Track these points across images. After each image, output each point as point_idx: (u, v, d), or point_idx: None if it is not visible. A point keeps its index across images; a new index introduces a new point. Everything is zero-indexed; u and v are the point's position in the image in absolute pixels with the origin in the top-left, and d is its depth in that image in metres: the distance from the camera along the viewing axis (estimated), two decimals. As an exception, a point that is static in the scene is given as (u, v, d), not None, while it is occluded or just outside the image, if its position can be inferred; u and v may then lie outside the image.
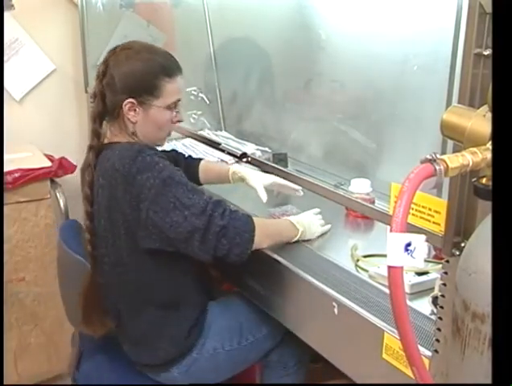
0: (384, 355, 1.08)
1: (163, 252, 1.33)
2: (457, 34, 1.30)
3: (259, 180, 1.58)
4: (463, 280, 0.73)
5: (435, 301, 1.04)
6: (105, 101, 1.39)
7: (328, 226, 1.50)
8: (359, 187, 1.56)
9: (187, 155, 1.76)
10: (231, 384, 1.57)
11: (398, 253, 0.64)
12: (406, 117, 1.61)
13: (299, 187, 1.56)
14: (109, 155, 1.35)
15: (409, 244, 0.64)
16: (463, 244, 0.86)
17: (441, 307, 0.92)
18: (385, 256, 0.67)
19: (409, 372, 0.94)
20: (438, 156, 0.69)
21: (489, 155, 0.71)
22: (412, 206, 0.94)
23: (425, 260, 1.26)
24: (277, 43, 2.07)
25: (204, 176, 1.71)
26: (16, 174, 2.02)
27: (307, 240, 1.44)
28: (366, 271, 1.28)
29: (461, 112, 0.79)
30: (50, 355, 2.21)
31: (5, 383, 1.59)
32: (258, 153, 2.01)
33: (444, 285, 0.91)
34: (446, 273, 0.91)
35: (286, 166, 1.89)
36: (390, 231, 0.65)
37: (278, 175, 1.58)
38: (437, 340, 0.94)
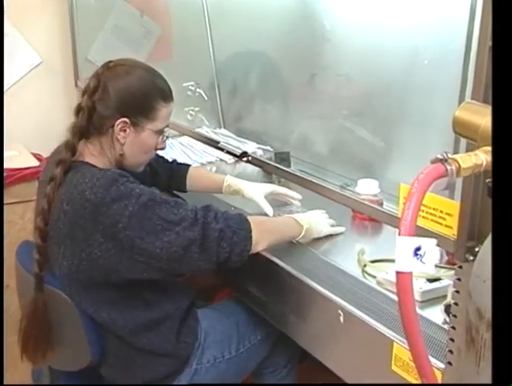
0: (393, 367, 1.08)
1: (123, 286, 1.33)
2: (471, 25, 1.30)
3: (259, 191, 1.58)
4: (477, 287, 0.74)
5: (447, 309, 1.05)
6: (91, 117, 1.37)
7: (342, 228, 1.50)
8: (366, 188, 1.57)
9: (171, 160, 1.77)
10: (231, 384, 1.58)
11: (407, 258, 0.64)
12: (416, 113, 1.62)
13: (300, 196, 1.58)
14: (78, 180, 1.31)
15: (418, 249, 0.65)
16: (477, 249, 0.86)
17: (454, 316, 0.92)
18: (394, 261, 0.67)
19: (420, 385, 0.94)
20: (449, 155, 0.69)
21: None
22: (423, 208, 0.94)
23: (437, 266, 1.26)
24: (280, 35, 2.07)
25: (192, 183, 1.72)
26: (1, 175, 2.03)
27: (315, 240, 1.44)
28: (374, 277, 1.28)
29: (475, 108, 0.79)
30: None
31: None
32: (259, 153, 2.01)
33: (457, 292, 0.91)
34: (459, 279, 0.91)
35: (288, 166, 1.90)
36: (399, 234, 0.66)
37: (280, 176, 1.59)
38: (450, 351, 0.94)
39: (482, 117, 0.77)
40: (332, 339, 1.23)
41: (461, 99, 1.35)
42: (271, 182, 1.75)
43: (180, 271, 1.33)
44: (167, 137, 1.48)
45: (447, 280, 1.20)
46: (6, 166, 2.06)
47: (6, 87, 2.43)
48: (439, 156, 0.69)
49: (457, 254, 0.90)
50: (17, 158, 2.22)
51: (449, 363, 0.95)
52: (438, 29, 1.49)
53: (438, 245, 0.69)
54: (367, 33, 1.71)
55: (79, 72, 2.53)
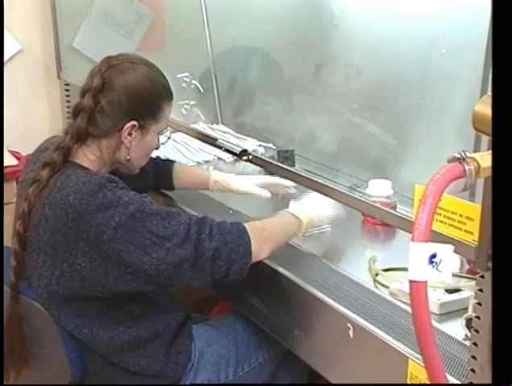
0: (408, 386, 1.08)
1: (107, 299, 1.33)
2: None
3: (249, 182, 1.59)
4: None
5: (468, 323, 1.04)
6: (93, 118, 1.37)
7: (343, 211, 1.50)
8: (378, 190, 1.57)
9: (154, 156, 1.77)
10: (231, 384, 1.57)
11: (421, 266, 0.65)
12: (432, 107, 1.62)
13: (293, 184, 1.60)
14: (62, 183, 1.31)
15: (434, 256, 0.65)
16: (499, 256, 0.87)
17: (476, 331, 0.92)
18: (408, 269, 0.68)
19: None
20: (468, 154, 0.70)
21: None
22: (440, 211, 0.94)
23: (456, 276, 1.26)
24: (282, 21, 2.08)
25: (179, 181, 1.74)
26: (-23, 175, 2.04)
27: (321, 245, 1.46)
28: (386, 287, 1.28)
29: (497, 102, 0.80)
30: None
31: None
32: (261, 151, 2.02)
33: (479, 304, 0.91)
34: (481, 290, 0.90)
35: (293, 165, 1.90)
36: (412, 240, 0.66)
37: (283, 176, 1.60)
38: (472, 370, 0.94)
39: (505, 112, 0.77)
40: (340, 356, 1.24)
41: (483, 92, 1.35)
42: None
43: (171, 286, 1.35)
44: (169, 138, 1.51)
45: (468, 291, 1.20)
46: (-19, 165, 2.07)
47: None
48: (457, 155, 0.70)
49: (478, 262, 0.90)
50: (-6, 156, 2.22)
51: (471, 384, 0.95)
52: (458, 14, 1.49)
53: (456, 252, 0.69)
54: (379, 19, 1.71)
55: (62, 62, 2.51)
